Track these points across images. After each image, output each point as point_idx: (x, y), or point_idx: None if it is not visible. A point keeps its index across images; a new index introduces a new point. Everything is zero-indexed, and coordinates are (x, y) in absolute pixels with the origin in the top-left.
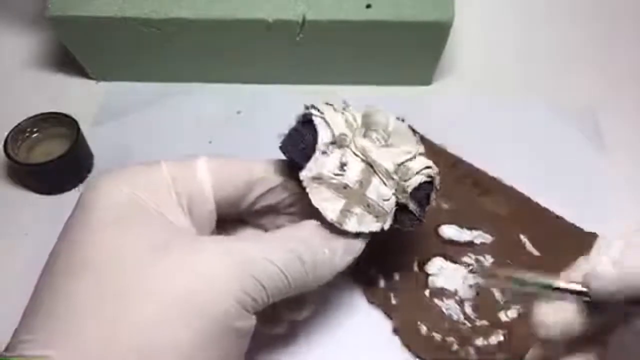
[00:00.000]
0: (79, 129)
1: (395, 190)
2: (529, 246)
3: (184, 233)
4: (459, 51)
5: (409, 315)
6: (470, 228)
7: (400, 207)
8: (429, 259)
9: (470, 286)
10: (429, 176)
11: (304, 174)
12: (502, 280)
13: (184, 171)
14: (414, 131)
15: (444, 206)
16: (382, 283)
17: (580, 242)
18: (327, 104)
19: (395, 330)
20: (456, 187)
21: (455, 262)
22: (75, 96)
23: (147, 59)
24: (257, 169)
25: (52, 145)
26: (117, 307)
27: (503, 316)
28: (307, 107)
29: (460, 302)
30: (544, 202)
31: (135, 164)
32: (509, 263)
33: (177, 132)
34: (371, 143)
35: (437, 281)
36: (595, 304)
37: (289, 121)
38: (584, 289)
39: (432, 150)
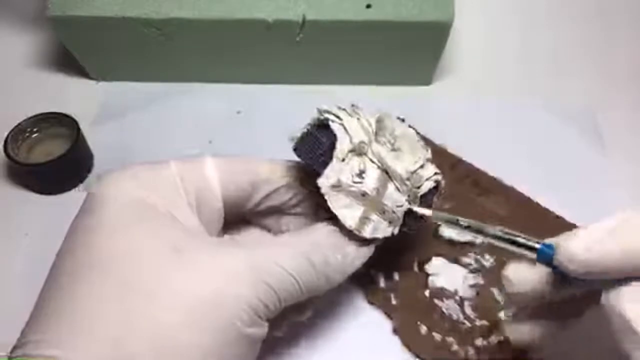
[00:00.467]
0: (79, 129)
1: (408, 196)
2: None
3: (195, 234)
4: (459, 51)
5: (409, 315)
6: None
7: (407, 211)
8: (429, 259)
9: (470, 286)
10: (436, 181)
11: (322, 181)
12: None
13: (192, 170)
14: (419, 135)
15: (444, 206)
16: (382, 283)
17: None
18: (340, 107)
19: (395, 330)
20: (456, 187)
21: (455, 262)
22: (75, 96)
23: (147, 59)
24: (262, 170)
25: (52, 145)
26: (129, 308)
27: (503, 316)
28: (321, 112)
29: (460, 302)
30: (544, 202)
31: (143, 163)
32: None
33: (177, 132)
34: (384, 148)
35: (437, 281)
36: (563, 275)
37: (289, 121)
38: (536, 245)
39: (432, 150)
